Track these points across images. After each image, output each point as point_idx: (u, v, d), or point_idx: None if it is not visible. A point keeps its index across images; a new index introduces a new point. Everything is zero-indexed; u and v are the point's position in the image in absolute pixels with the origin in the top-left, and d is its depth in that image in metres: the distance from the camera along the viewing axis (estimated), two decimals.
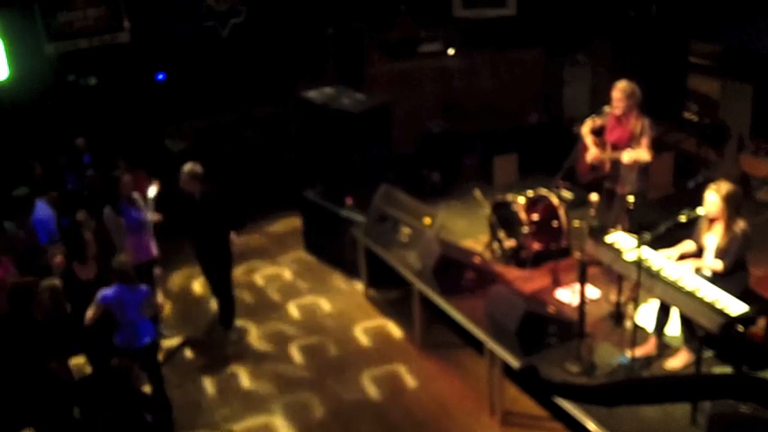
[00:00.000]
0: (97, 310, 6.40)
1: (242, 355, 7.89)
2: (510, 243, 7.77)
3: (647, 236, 5.80)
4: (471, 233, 8.54)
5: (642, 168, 7.17)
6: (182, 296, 9.01)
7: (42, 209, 7.82)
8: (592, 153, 7.34)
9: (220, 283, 8.16)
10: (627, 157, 7.06)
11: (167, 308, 8.36)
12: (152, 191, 7.89)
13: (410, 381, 7.36)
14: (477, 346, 6.96)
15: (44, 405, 6.11)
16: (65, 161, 9.16)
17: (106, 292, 6.41)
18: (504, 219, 7.85)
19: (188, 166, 7.71)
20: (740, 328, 5.39)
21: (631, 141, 7.09)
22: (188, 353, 8.00)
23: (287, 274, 9.27)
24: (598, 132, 7.42)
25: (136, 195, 7.69)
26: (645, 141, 7.05)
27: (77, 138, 9.24)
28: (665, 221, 5.88)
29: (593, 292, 7.06)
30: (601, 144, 7.37)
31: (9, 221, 7.48)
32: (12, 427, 6.25)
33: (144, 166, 9.14)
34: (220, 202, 7.82)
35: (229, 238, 7.93)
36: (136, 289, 6.50)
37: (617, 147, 7.20)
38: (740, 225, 5.86)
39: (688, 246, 6.18)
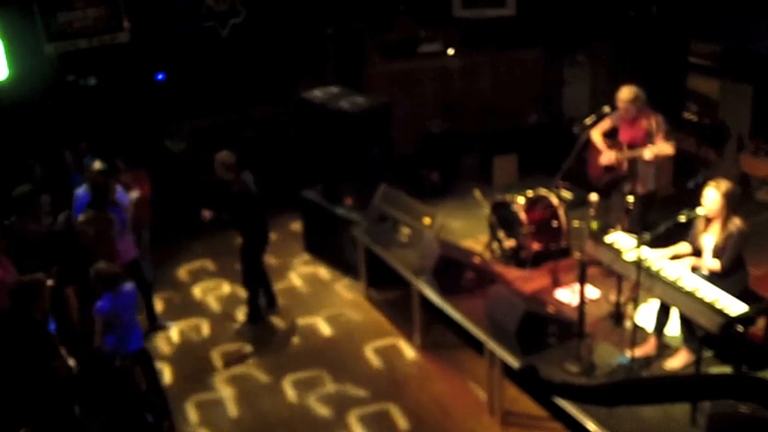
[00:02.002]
0: (101, 326, 6.31)
1: (240, 355, 7.91)
2: (510, 243, 7.77)
3: (647, 236, 5.80)
4: (471, 233, 8.55)
5: (658, 166, 7.18)
6: (181, 294, 9.03)
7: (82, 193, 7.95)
8: (607, 156, 7.34)
9: (263, 267, 8.32)
10: (648, 153, 7.03)
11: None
12: (134, 194, 7.90)
13: (410, 381, 7.36)
14: (477, 346, 6.96)
15: (44, 404, 6.11)
16: (72, 161, 9.12)
17: (100, 304, 6.32)
18: (503, 219, 7.85)
19: (220, 155, 7.82)
20: (740, 328, 5.39)
21: (647, 139, 7.10)
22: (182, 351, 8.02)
23: (287, 275, 9.26)
24: (610, 134, 7.43)
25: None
26: (661, 137, 7.07)
27: (81, 141, 9.23)
28: (664, 221, 5.88)
29: (592, 292, 7.06)
30: (615, 145, 7.37)
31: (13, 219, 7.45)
32: (12, 427, 6.24)
33: (144, 166, 9.14)
34: (251, 193, 7.93)
35: (266, 224, 8.15)
36: (124, 291, 6.43)
37: (633, 146, 7.21)
38: (736, 223, 5.86)
39: (683, 248, 6.18)
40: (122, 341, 6.45)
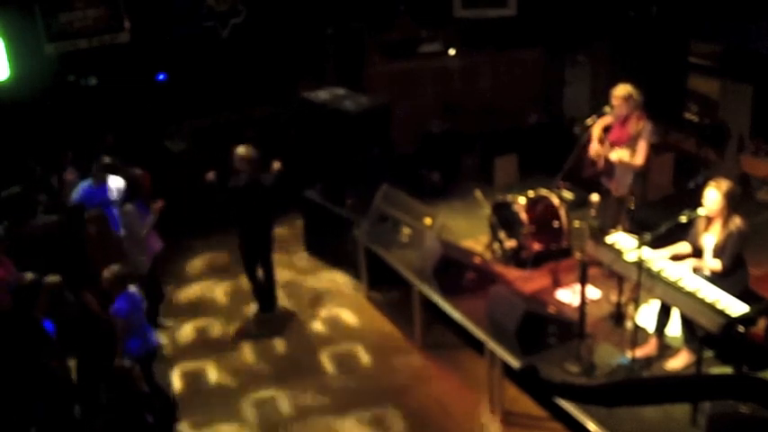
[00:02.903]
0: (123, 327, 6.32)
1: (241, 355, 7.91)
2: (510, 243, 7.77)
3: (648, 236, 5.80)
4: (472, 233, 8.54)
5: (638, 172, 7.18)
6: (181, 293, 9.03)
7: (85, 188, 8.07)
8: (593, 147, 7.38)
9: (265, 268, 8.36)
10: (614, 155, 7.12)
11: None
12: (157, 205, 7.87)
13: (410, 381, 7.37)
14: (478, 346, 6.96)
15: (44, 404, 6.10)
16: (70, 159, 9.09)
17: (118, 305, 6.33)
18: (504, 219, 7.85)
19: (240, 149, 7.91)
20: (741, 328, 5.40)
21: (630, 142, 7.12)
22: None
23: (287, 275, 9.26)
24: (607, 130, 7.46)
25: None
26: (641, 145, 7.05)
27: (107, 134, 9.27)
28: (665, 222, 5.88)
29: (593, 292, 7.06)
30: (601, 141, 7.40)
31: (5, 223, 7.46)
32: (11, 427, 6.25)
33: (144, 166, 9.13)
34: (269, 188, 8.02)
35: (273, 222, 8.25)
36: (133, 291, 6.47)
37: (615, 146, 7.23)
38: (736, 222, 5.86)
39: (682, 247, 6.18)
40: (146, 340, 6.51)
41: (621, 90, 7.12)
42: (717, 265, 5.91)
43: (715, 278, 5.87)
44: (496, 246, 7.96)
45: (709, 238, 6.00)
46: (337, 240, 9.02)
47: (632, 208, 6.98)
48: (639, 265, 5.79)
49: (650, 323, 6.38)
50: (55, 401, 6.15)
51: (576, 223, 7.97)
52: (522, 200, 7.82)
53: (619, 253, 6.24)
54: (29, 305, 6.02)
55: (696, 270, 6.01)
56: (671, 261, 6.11)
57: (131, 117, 10.00)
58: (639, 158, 7.08)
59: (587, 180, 7.59)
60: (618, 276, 6.56)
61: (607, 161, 7.30)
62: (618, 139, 7.23)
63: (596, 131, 7.44)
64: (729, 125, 9.85)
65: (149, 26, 10.09)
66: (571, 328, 6.32)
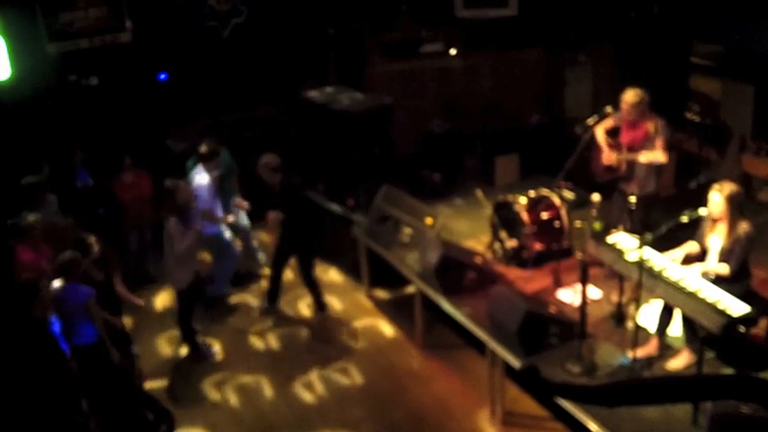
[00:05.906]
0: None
1: (247, 355, 7.91)
2: (511, 243, 7.77)
3: (649, 236, 5.80)
4: (473, 233, 8.54)
5: (656, 170, 7.18)
6: None
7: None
8: (607, 156, 7.32)
9: (305, 270, 8.29)
10: (644, 158, 7.07)
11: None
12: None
13: (411, 381, 7.36)
14: (479, 346, 6.96)
15: (45, 406, 6.10)
16: (81, 158, 9.04)
17: (52, 285, 6.32)
18: (505, 219, 7.85)
19: (265, 158, 7.89)
20: (742, 328, 5.39)
21: (646, 142, 7.09)
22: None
23: (288, 275, 9.25)
24: (611, 133, 7.41)
25: None
26: (660, 142, 7.04)
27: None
28: (666, 222, 5.88)
29: (594, 292, 7.06)
30: (615, 146, 7.35)
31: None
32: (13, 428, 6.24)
33: (146, 166, 9.15)
34: (300, 191, 8.04)
35: (311, 224, 8.17)
36: (77, 288, 6.34)
37: (632, 148, 7.19)
38: (744, 227, 5.85)
39: (692, 247, 6.17)
40: (68, 332, 6.37)
41: (632, 96, 7.03)
42: (724, 269, 5.89)
43: (721, 283, 5.84)
44: (497, 246, 7.96)
45: (715, 240, 6.00)
46: (338, 240, 9.02)
47: (633, 208, 6.96)
48: (640, 264, 5.79)
49: (651, 323, 6.38)
50: (58, 404, 6.10)
51: (578, 223, 7.98)
52: (523, 200, 7.82)
53: (620, 253, 6.24)
54: (27, 305, 6.00)
55: (705, 275, 5.98)
56: (684, 262, 6.08)
57: (133, 117, 10.00)
58: (664, 155, 7.07)
59: (604, 185, 7.52)
60: (619, 276, 6.56)
61: (628, 165, 7.24)
62: (633, 141, 7.19)
63: (601, 137, 7.38)
64: (731, 125, 9.85)
65: (151, 26, 10.09)
66: (572, 329, 6.32)
